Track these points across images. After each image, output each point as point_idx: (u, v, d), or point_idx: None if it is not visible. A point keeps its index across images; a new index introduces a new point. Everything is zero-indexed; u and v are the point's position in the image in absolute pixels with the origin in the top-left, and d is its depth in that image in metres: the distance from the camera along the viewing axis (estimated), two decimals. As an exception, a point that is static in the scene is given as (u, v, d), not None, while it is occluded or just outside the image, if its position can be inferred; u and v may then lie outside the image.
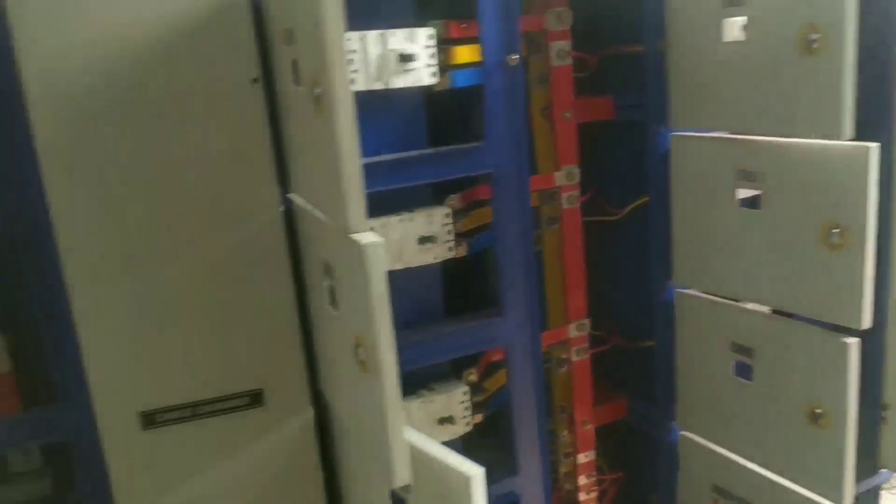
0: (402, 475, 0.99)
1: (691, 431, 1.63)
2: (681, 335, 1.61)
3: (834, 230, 1.26)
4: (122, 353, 1.17)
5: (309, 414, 1.27)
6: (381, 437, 0.98)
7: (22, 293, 1.20)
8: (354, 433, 1.18)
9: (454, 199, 1.40)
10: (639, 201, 1.65)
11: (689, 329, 1.59)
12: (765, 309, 1.47)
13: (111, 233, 1.14)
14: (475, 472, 1.00)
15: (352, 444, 1.23)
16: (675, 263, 1.58)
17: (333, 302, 1.09)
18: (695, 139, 1.49)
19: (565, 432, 1.70)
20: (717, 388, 1.54)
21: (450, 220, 1.38)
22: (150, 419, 1.20)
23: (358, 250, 0.91)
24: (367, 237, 0.92)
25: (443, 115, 1.43)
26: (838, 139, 1.23)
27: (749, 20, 1.35)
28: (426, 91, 1.36)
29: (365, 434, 1.07)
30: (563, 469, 1.72)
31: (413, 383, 1.42)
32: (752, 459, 1.50)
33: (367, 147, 1.02)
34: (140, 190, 1.15)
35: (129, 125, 1.13)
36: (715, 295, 1.53)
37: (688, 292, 1.58)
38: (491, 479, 0.98)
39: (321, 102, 0.92)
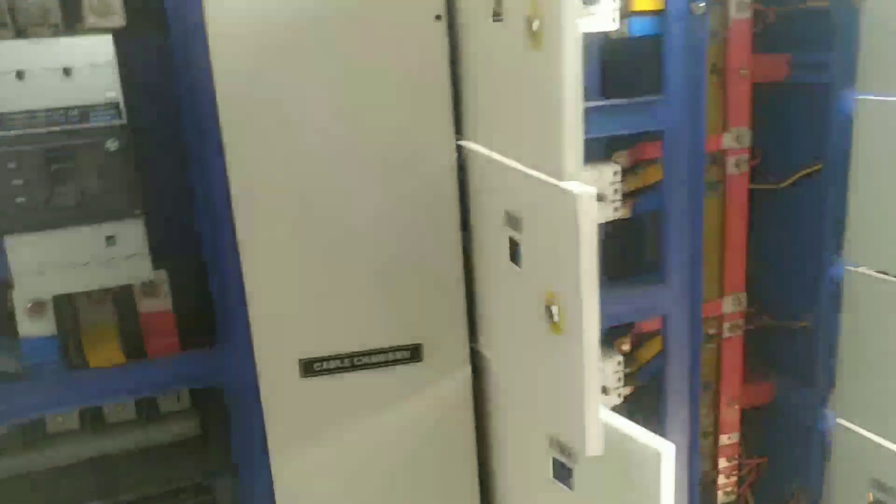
0: (594, 445, 0.93)
1: (850, 420, 1.52)
2: (848, 316, 1.49)
3: None
4: (286, 299, 1.14)
5: (466, 372, 1.22)
6: (574, 404, 0.92)
7: (189, 232, 1.17)
8: (525, 396, 1.12)
9: (622, 156, 1.31)
10: (808, 169, 1.52)
11: (859, 310, 1.47)
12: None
13: (282, 173, 1.10)
14: (666, 449, 0.93)
15: (516, 407, 1.17)
16: (848, 238, 1.45)
17: (515, 257, 1.03)
18: (889, 104, 1.35)
19: (705, 410, 1.61)
20: (888, 375, 1.43)
21: (618, 179, 1.29)
22: (309, 367, 1.17)
23: (570, 200, 0.84)
24: (579, 187, 0.85)
25: (613, 64, 1.33)
26: None
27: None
28: (601, 38, 1.28)
29: (547, 398, 1.01)
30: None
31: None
32: (925, 455, 1.39)
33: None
34: (314, 129, 1.09)
35: (309, 63, 1.07)
36: (891, 275, 1.41)
37: (860, 270, 1.46)
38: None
39: (539, 38, 0.85)
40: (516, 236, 1.02)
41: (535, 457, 1.12)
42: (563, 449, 1.07)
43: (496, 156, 1.05)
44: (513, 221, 1.01)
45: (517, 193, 0.99)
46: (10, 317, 1.12)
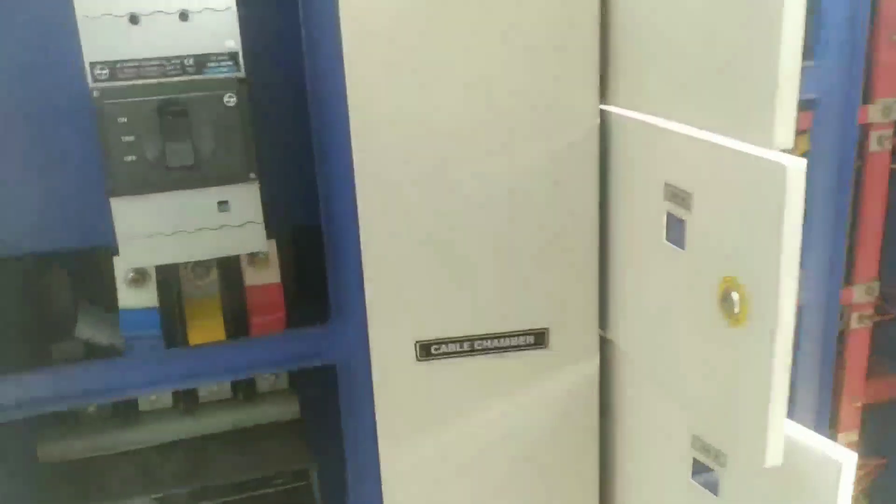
0: (775, 454, 0.82)
1: None
2: None
3: None
4: (406, 276, 1.04)
5: (594, 361, 1.12)
6: (756, 407, 0.81)
7: (297, 200, 1.07)
8: (669, 391, 1.02)
9: (767, 128, 1.19)
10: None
11: None
12: None
13: (407, 141, 0.99)
14: (848, 459, 0.83)
15: (653, 401, 1.07)
16: None
17: (676, 236, 0.91)
18: None
19: (820, 405, 1.50)
20: None
21: (764, 152, 1.17)
22: (427, 349, 1.07)
23: (778, 174, 0.73)
24: (788, 158, 0.74)
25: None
26: None
27: None
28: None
29: (708, 396, 0.91)
30: (812, 445, 1.52)
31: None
32: None
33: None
34: (444, 91, 0.98)
35: (442, 15, 0.95)
36: None
37: None
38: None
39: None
40: (680, 213, 0.90)
41: (671, 456, 1.02)
42: (708, 450, 0.97)
43: (658, 121, 0.93)
44: (677, 196, 0.90)
45: (690, 164, 0.87)
46: (111, 287, 1.03)
